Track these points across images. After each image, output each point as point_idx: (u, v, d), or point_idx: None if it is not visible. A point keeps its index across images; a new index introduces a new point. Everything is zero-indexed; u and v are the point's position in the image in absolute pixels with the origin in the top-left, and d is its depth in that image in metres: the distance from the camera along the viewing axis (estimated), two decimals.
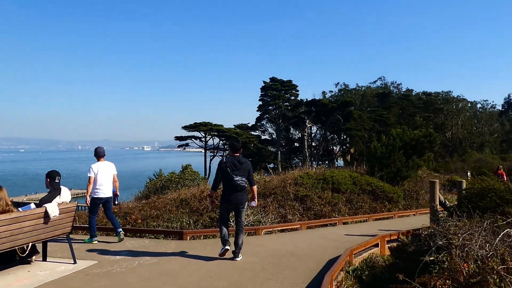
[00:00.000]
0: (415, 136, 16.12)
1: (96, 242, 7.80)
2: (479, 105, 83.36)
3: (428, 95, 69.67)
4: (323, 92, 69.81)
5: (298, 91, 51.75)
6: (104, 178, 7.76)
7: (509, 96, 77.87)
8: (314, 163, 49.57)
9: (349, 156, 51.36)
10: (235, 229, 6.84)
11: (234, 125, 46.97)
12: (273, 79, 48.63)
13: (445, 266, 5.25)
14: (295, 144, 53.14)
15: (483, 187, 7.87)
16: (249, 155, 43.87)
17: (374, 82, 75.60)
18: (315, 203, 12.49)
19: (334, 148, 58.49)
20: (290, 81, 50.76)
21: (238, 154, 6.72)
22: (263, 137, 50.30)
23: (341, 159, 53.09)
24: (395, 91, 73.66)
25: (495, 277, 4.46)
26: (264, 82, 48.23)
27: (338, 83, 72.91)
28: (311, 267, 6.21)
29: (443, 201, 9.07)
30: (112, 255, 6.76)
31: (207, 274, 5.65)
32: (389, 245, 8.02)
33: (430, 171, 23.27)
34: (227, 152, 45.40)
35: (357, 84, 79.11)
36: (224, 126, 43.82)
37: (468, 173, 27.04)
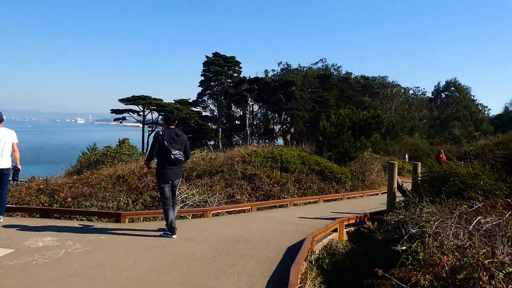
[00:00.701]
0: (364, 117, 15.93)
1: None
2: (411, 91, 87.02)
3: (366, 79, 71.69)
4: (266, 71, 69.30)
5: (241, 68, 50.72)
6: None
7: (438, 84, 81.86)
8: (255, 141, 49.22)
9: (289, 135, 51.57)
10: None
11: (174, 100, 45.18)
12: (216, 55, 47.17)
13: (420, 257, 4.75)
14: (236, 122, 52.38)
15: (444, 171, 7.57)
16: (190, 131, 42.52)
17: (316, 63, 76.11)
18: (264, 183, 11.84)
19: (275, 127, 58.46)
20: (233, 57, 49.53)
21: (173, 127, 6.31)
22: (204, 114, 48.98)
23: (281, 138, 53.24)
24: (335, 73, 74.79)
25: (486, 273, 3.95)
26: (207, 57, 46.64)
27: (280, 63, 72.66)
28: (271, 255, 5.50)
29: (401, 184, 8.74)
30: (34, 241, 5.60)
31: (151, 266, 4.74)
32: (346, 229, 7.52)
33: (370, 152, 23.56)
34: None
35: (299, 64, 79.31)
36: (164, 101, 41.94)
37: (406, 156, 27.89)
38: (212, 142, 45.21)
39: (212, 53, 47.05)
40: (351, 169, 15.29)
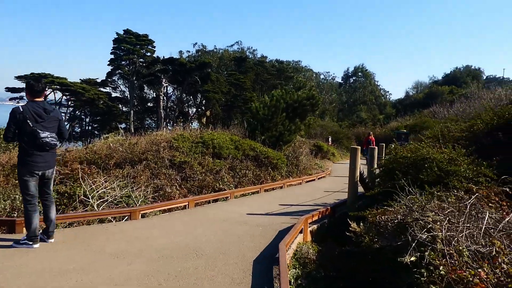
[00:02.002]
0: (299, 98, 14.95)
1: None
2: (322, 76, 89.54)
3: (281, 63, 71.98)
4: (180, 52, 66.40)
5: (154, 47, 47.53)
6: None
7: (347, 69, 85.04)
8: (169, 125, 46.80)
9: (205, 119, 49.93)
10: (42, 202, 4.82)
11: (80, 79, 40.86)
12: (127, 32, 43.51)
13: (442, 272, 3.63)
14: (149, 104, 49.38)
15: (417, 156, 6.64)
16: (98, 113, 38.93)
17: (232, 46, 74.89)
18: (196, 171, 10.24)
19: (190, 110, 56.32)
20: (146, 36, 46.21)
21: (41, 99, 4.69)
22: (114, 95, 45.18)
23: (197, 121, 51.47)
24: (251, 56, 74.17)
25: None
26: (117, 34, 42.82)
27: (196, 44, 70.09)
28: (236, 277, 4.06)
29: (363, 173, 7.76)
30: None
31: None
32: (310, 228, 6.30)
33: (300, 136, 22.93)
34: (71, 109, 39.36)
35: (215, 46, 77.25)
36: (68, 80, 37.67)
37: (330, 139, 27.80)
38: (123, 125, 42.00)
39: (123, 30, 43.32)
40: (285, 154, 14.26)
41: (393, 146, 7.92)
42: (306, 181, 12.86)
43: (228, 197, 9.13)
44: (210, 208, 8.02)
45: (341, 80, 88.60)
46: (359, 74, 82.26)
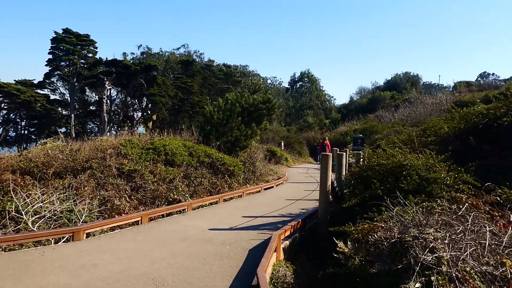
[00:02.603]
0: (254, 102, 14.29)
1: None
2: (269, 81, 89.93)
3: (228, 67, 71.45)
4: (124, 54, 63.91)
5: (96, 48, 45.28)
6: None
7: (294, 74, 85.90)
8: (113, 129, 44.70)
9: (151, 123, 48.24)
10: None
11: (15, 80, 37.90)
12: (67, 31, 41.02)
13: None
14: (92, 107, 46.94)
15: (394, 162, 6.19)
16: (35, 116, 36.28)
17: (178, 48, 73.42)
18: (147, 181, 9.31)
19: (135, 114, 54.25)
20: (87, 36, 43.89)
21: None
22: (52, 97, 42.38)
23: (143, 126, 49.67)
24: (198, 60, 73.10)
25: None
26: (56, 33, 40.24)
27: (141, 45, 67.89)
28: None
29: (333, 182, 7.24)
30: None
31: None
32: (282, 245, 5.64)
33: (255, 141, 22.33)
34: (4, 111, 36.41)
35: (160, 48, 75.59)
36: (1, 81, 34.77)
37: (282, 143, 27.45)
38: (63, 129, 39.47)
39: (62, 29, 40.82)
40: (241, 160, 13.57)
41: (365, 152, 7.48)
42: (265, 188, 12.25)
43: (185, 209, 8.28)
44: (166, 223, 7.14)
45: (288, 85, 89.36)
46: (305, 79, 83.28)
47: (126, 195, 8.55)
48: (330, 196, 7.39)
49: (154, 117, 49.81)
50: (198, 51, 78.47)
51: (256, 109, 14.35)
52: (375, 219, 4.69)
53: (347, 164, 9.83)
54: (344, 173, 8.51)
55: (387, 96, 52.19)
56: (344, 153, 9.63)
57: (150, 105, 49.93)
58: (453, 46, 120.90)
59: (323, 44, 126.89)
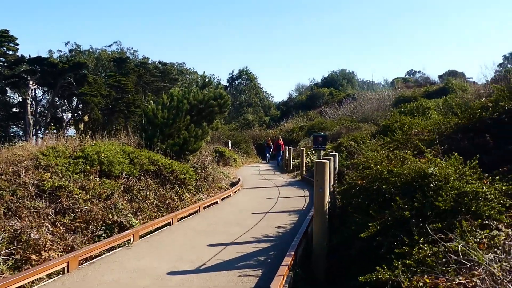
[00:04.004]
0: (205, 98, 12.43)
1: None
2: (207, 79, 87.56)
3: (164, 65, 68.71)
4: (50, 51, 58.94)
5: (18, 44, 40.76)
6: None
7: (232, 72, 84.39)
8: (40, 132, 40.55)
9: (82, 124, 44.66)
10: None
11: None
12: None
13: None
14: (15, 109, 42.34)
15: (417, 171, 4.68)
16: None
17: (110, 46, 69.38)
18: (77, 199, 7.21)
19: (65, 115, 49.96)
20: (6, 31, 39.27)
21: None
22: None
23: (73, 128, 45.83)
24: (132, 57, 69.64)
25: None
26: None
27: (68, 42, 63.00)
28: None
29: (333, 195, 5.66)
30: None
31: None
32: None
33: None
34: None
35: (91, 46, 70.85)
36: None
37: (229, 143, 25.70)
38: None
39: None
40: (192, 165, 11.70)
41: (361, 156, 5.98)
42: (222, 198, 10.46)
43: (131, 239, 6.30)
44: (106, 266, 5.16)
45: (227, 82, 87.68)
46: (244, 76, 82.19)
47: (48, 223, 6.44)
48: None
49: (86, 118, 46.12)
50: (132, 48, 74.78)
51: (207, 106, 12.51)
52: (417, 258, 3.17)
53: (335, 171, 8.10)
54: (332, 184, 6.93)
55: (325, 93, 52.26)
56: (333, 158, 7.75)
57: (81, 105, 46.11)
58: (382, 44, 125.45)
59: (261, 42, 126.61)
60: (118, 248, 6.00)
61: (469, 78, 44.45)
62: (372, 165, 5.41)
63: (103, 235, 6.90)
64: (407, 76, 66.37)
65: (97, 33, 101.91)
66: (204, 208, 9.18)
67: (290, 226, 7.14)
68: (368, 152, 6.55)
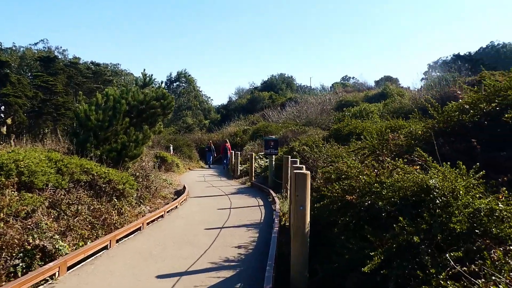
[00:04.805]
0: (146, 98, 11.04)
1: None
2: (148, 78, 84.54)
3: (97, 65, 65.56)
4: None
5: None
6: None
7: (170, 74, 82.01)
8: None
9: (5, 128, 40.87)
10: None
11: None
12: None
13: None
14: None
15: (417, 183, 3.85)
16: None
17: (36, 44, 64.96)
18: None
19: None
20: None
21: None
22: None
23: None
24: (61, 57, 65.54)
25: None
26: None
27: None
28: None
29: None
30: None
31: None
32: None
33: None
34: None
35: (13, 43, 66.06)
36: None
37: (171, 148, 24.23)
38: None
39: None
40: (132, 173, 10.34)
41: (346, 162, 5.09)
42: (168, 211, 9.22)
43: (56, 273, 4.93)
44: None
45: (164, 85, 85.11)
46: (182, 79, 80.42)
47: None
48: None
49: (9, 121, 42.31)
50: (61, 47, 70.85)
51: (148, 107, 11.17)
52: None
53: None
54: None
55: (265, 97, 52.11)
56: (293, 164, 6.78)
57: (3, 107, 42.37)
58: (319, 50, 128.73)
59: (199, 44, 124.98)
60: (41, 286, 4.66)
61: (400, 84, 46.30)
62: (356, 175, 4.54)
63: (20, 264, 5.51)
64: (342, 81, 68.04)
65: (20, 31, 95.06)
66: (148, 223, 7.91)
67: (252, 245, 6.12)
68: (347, 159, 5.69)
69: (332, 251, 4.01)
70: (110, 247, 6.13)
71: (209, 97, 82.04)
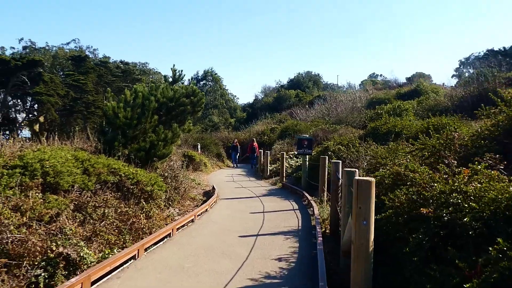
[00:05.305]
0: (176, 95, 10.60)
1: None
2: (170, 79, 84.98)
3: (126, 64, 66.16)
4: (2, 48, 55.19)
5: None
6: None
7: (197, 73, 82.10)
8: None
9: (38, 125, 41.59)
10: None
11: None
12: None
13: None
14: None
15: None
16: None
17: (68, 43, 65.86)
18: (8, 226, 5.36)
19: (18, 115, 46.49)
20: None
21: None
22: None
23: (28, 129, 42.68)
24: (91, 56, 66.43)
25: None
26: None
27: (22, 39, 59.21)
28: None
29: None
30: None
31: None
32: None
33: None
34: None
35: (47, 43, 67.29)
36: None
37: (199, 146, 23.89)
38: None
39: None
40: (161, 174, 9.91)
41: (407, 165, 4.40)
42: (198, 214, 8.72)
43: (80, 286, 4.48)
44: None
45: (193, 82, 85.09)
46: (209, 78, 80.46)
47: None
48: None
49: (42, 118, 43.06)
50: (91, 47, 71.60)
51: (178, 104, 10.72)
52: None
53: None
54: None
55: (292, 95, 51.31)
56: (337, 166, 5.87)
57: (36, 105, 43.13)
58: (345, 48, 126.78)
59: (226, 43, 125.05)
60: None
61: (432, 81, 44.74)
62: (426, 182, 3.85)
63: (42, 274, 5.09)
64: (370, 79, 66.50)
65: (53, 31, 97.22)
66: (178, 229, 7.41)
67: (293, 258, 5.52)
68: (403, 160, 4.96)
69: (398, 273, 3.37)
70: (138, 257, 5.64)
71: (235, 96, 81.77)
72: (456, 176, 3.81)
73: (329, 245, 6.03)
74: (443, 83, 41.09)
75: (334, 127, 21.92)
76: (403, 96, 31.19)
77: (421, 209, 3.44)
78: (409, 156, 5.89)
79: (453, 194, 3.44)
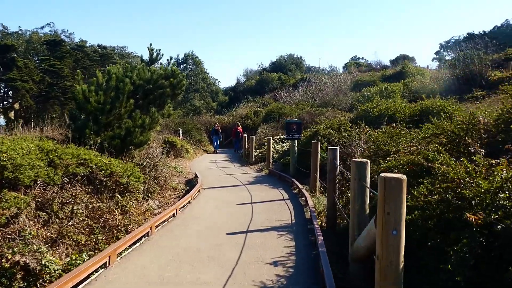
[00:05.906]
0: (154, 76, 9.68)
1: None
2: (155, 53, 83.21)
3: (104, 48, 64.31)
4: None
5: None
6: None
7: (177, 56, 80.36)
8: None
9: (13, 113, 40.04)
10: None
11: None
12: None
13: None
14: None
15: None
16: None
17: (42, 27, 63.70)
18: None
19: None
20: None
21: None
22: None
23: (3, 117, 41.11)
24: (67, 40, 64.27)
25: None
26: None
27: None
28: None
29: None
30: None
31: None
32: None
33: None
34: None
35: (20, 27, 64.81)
36: None
37: (180, 132, 22.97)
38: None
39: None
40: (138, 163, 9.06)
41: (428, 153, 3.68)
42: (180, 207, 7.92)
43: None
44: None
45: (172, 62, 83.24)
46: (190, 61, 78.88)
47: None
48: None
49: (17, 105, 41.48)
50: (67, 31, 69.52)
51: (156, 86, 9.81)
52: None
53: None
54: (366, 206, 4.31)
55: (274, 78, 50.58)
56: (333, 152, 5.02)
57: (10, 92, 41.47)
58: (328, 31, 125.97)
59: (206, 26, 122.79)
60: None
61: (416, 63, 44.44)
62: (461, 177, 3.11)
63: None
64: (353, 61, 65.99)
65: (27, 14, 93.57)
66: (157, 227, 6.62)
67: (290, 261, 4.78)
68: (431, 152, 4.14)
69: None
70: (109, 264, 4.82)
71: (217, 79, 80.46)
72: (493, 168, 3.11)
73: (328, 243, 5.35)
74: (428, 65, 40.76)
75: (320, 110, 21.29)
76: (388, 78, 30.76)
77: (468, 215, 2.70)
78: (421, 143, 5.15)
79: (500, 194, 2.74)
